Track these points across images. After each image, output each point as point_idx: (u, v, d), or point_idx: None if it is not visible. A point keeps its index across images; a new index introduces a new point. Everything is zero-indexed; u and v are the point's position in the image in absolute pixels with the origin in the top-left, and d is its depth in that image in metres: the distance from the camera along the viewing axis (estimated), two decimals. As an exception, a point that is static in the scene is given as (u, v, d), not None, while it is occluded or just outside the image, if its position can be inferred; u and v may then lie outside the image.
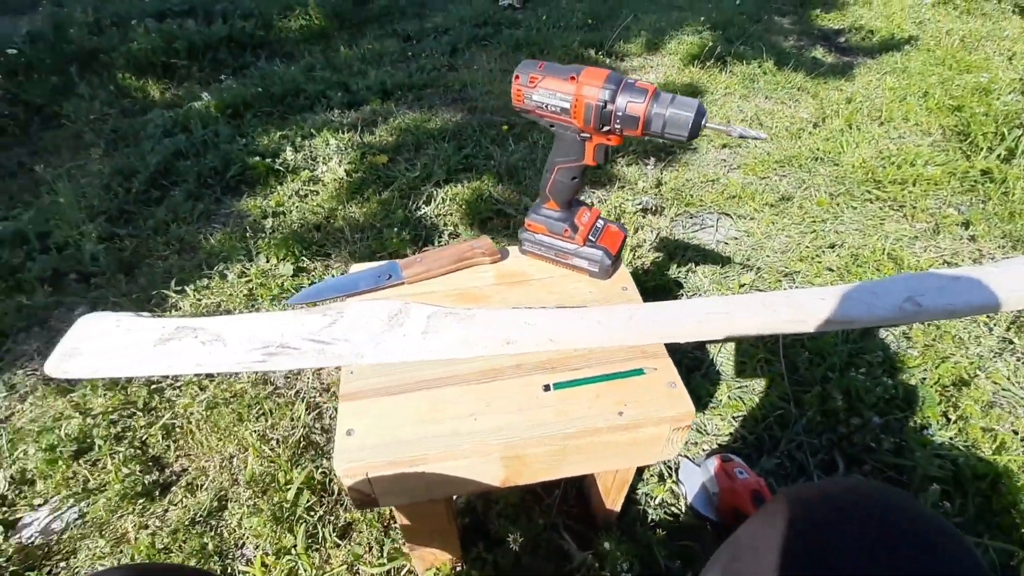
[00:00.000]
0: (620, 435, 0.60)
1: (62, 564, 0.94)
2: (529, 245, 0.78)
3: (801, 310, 0.67)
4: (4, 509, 1.01)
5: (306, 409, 1.15)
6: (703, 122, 0.58)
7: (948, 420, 1.10)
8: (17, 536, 0.97)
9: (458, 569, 0.90)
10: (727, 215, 1.72)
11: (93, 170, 1.94)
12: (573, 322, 0.66)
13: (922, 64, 2.65)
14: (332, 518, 0.99)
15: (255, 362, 0.63)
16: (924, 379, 1.18)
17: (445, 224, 1.66)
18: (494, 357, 0.65)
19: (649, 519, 0.97)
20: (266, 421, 1.14)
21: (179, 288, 1.45)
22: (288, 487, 0.99)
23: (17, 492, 1.04)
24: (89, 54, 2.61)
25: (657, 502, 0.99)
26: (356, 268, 0.80)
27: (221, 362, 0.63)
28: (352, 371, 0.65)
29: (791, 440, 1.08)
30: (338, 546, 0.94)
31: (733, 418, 1.12)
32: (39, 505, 1.02)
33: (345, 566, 0.92)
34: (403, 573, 0.92)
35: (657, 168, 1.87)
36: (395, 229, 1.60)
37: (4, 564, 0.92)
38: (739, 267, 1.49)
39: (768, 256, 1.54)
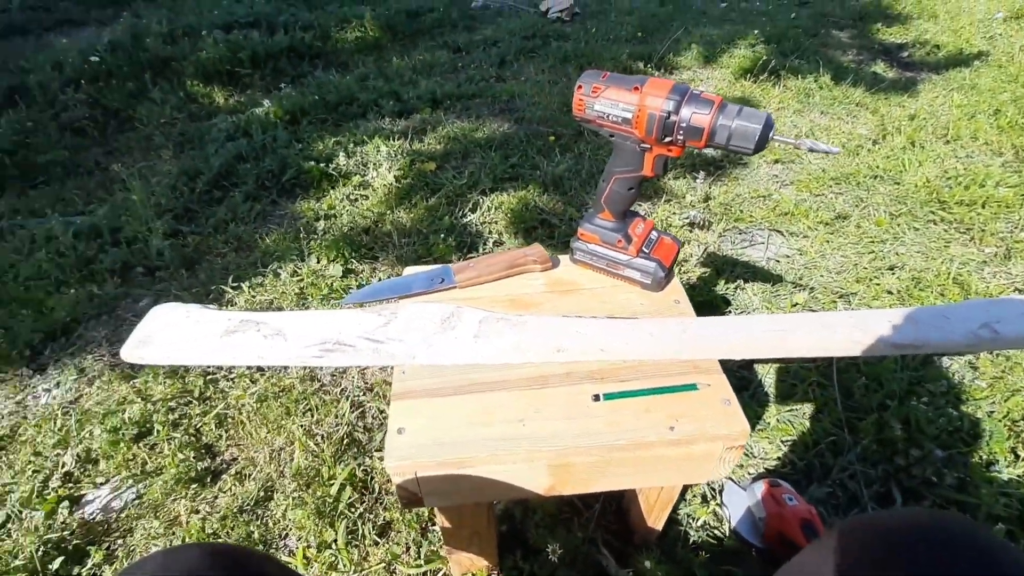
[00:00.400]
0: (670, 450, 0.59)
1: (119, 541, 0.99)
2: (581, 254, 0.78)
3: (865, 331, 0.64)
4: (70, 485, 1.07)
5: (350, 407, 1.18)
6: (771, 135, 0.57)
7: (1016, 457, 1.03)
8: (80, 511, 1.03)
9: (494, 575, 0.90)
10: (778, 232, 1.68)
11: (162, 170, 2.05)
12: (624, 333, 0.65)
13: (993, 81, 2.52)
14: (372, 516, 1.00)
15: (313, 357, 0.65)
16: (992, 412, 1.11)
17: (490, 232, 1.68)
18: (544, 364, 0.65)
19: (690, 540, 0.94)
20: (312, 417, 1.17)
21: (235, 284, 1.51)
22: (331, 482, 1.02)
23: (82, 470, 1.11)
24: (162, 62, 2.78)
25: (699, 524, 0.96)
26: (410, 271, 0.82)
27: (281, 356, 0.65)
28: (404, 371, 0.66)
29: (844, 469, 1.03)
30: (377, 544, 0.96)
31: (782, 442, 1.08)
32: (101, 484, 1.08)
33: (383, 564, 0.93)
34: (440, 574, 0.92)
35: (706, 182, 1.84)
36: (441, 235, 1.62)
37: (68, 536, 0.98)
38: (791, 286, 1.45)
39: (822, 276, 1.49)
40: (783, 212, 1.74)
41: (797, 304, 1.37)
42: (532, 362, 0.65)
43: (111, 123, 2.46)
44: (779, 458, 1.06)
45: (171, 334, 0.68)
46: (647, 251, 0.73)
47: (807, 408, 1.14)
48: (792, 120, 2.30)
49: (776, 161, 2.02)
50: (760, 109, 0.57)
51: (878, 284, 1.44)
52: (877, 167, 1.95)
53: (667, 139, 0.61)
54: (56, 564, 0.92)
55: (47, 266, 1.58)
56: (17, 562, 0.91)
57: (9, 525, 0.99)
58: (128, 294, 1.55)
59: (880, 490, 1.01)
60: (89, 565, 0.94)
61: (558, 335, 0.66)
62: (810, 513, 0.88)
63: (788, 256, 1.58)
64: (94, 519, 1.02)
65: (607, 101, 0.64)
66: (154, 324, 0.69)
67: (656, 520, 0.85)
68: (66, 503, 1.03)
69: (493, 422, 0.60)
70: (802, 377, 1.20)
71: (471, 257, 1.55)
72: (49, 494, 1.04)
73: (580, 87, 0.65)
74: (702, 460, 0.61)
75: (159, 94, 2.57)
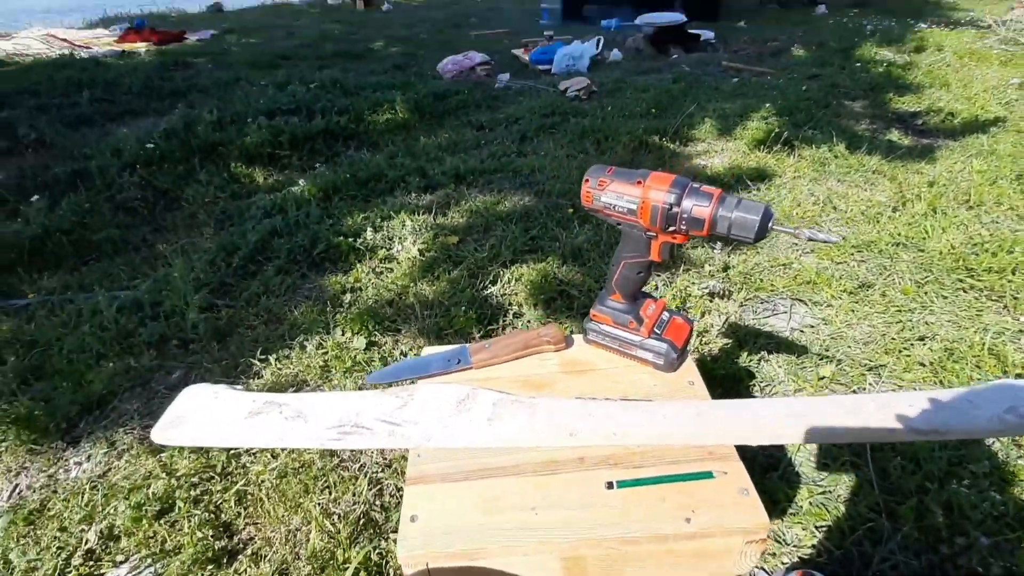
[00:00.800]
0: (687, 544, 0.57)
1: (133, 625, 0.98)
2: (594, 335, 0.79)
3: (890, 417, 0.63)
4: (91, 563, 1.08)
5: (368, 484, 1.17)
6: (770, 224, 0.59)
7: (1079, 548, 0.95)
8: (98, 591, 1.03)
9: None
10: (801, 301, 1.66)
11: (202, 247, 2.18)
12: (638, 416, 0.65)
13: (1012, 146, 2.53)
14: (386, 602, 0.97)
15: (331, 440, 0.67)
16: (1045, 497, 1.03)
17: (510, 304, 1.71)
18: (556, 449, 0.65)
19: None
20: (330, 494, 1.16)
21: (263, 357, 1.56)
22: (346, 567, 1.00)
23: (104, 547, 1.11)
24: (210, 147, 3.02)
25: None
26: (429, 351, 0.84)
27: (301, 438, 0.67)
28: (420, 454, 0.67)
29: (885, 559, 0.96)
30: (390, 634, 0.92)
31: (816, 527, 1.02)
32: (120, 562, 1.08)
33: (396, 657, 0.89)
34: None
35: (724, 251, 1.86)
36: (463, 308, 1.66)
37: (84, 619, 0.97)
38: (817, 357, 1.42)
39: (849, 347, 1.45)
40: (805, 280, 1.73)
41: (824, 377, 1.34)
42: (545, 446, 0.65)
43: (160, 203, 2.65)
44: (814, 545, 1.00)
45: (200, 416, 0.71)
46: (659, 332, 0.75)
47: (842, 490, 1.09)
48: (809, 188, 2.33)
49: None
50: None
51: (908, 356, 1.40)
52: (899, 234, 1.94)
53: (671, 228, 0.64)
54: (69, 648, 0.91)
55: (90, 339, 1.67)
56: (32, 646, 0.90)
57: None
58: (162, 366, 1.61)
59: (927, 584, 0.93)
60: (101, 651, 0.93)
61: (571, 417, 0.67)
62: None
63: (812, 326, 1.56)
64: (110, 600, 1.02)
65: (613, 194, 0.67)
66: (185, 406, 0.72)
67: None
68: (85, 583, 1.03)
69: (505, 509, 0.60)
70: (834, 455, 1.15)
71: (491, 330, 1.58)
72: (71, 572, 1.05)
73: (587, 180, 0.69)
74: (721, 555, 0.59)
75: (205, 176, 2.77)
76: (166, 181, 2.74)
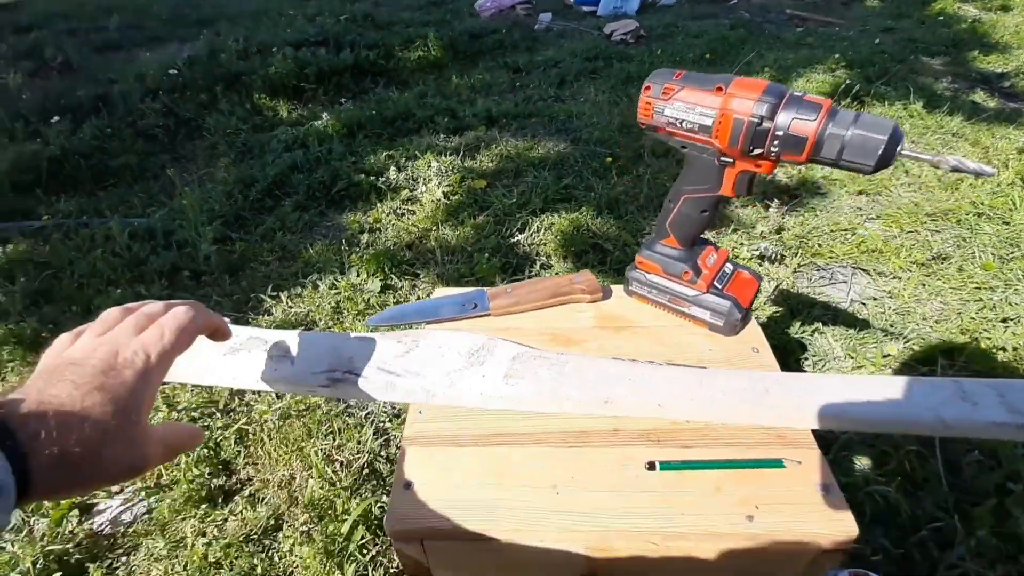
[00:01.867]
0: (745, 546, 0.46)
1: (123, 559, 0.93)
2: (638, 286, 0.66)
3: (1013, 410, 0.49)
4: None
5: (374, 434, 1.09)
6: (899, 149, 0.44)
7: None
8: (90, 521, 0.99)
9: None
10: (863, 271, 1.48)
11: (220, 177, 2.09)
12: (690, 387, 0.53)
13: (1121, 112, 2.21)
14: (385, 561, 0.90)
15: (320, 386, 0.56)
16: None
17: (538, 254, 1.58)
18: (587, 417, 0.53)
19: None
20: (333, 440, 1.09)
21: (274, 294, 1.48)
22: (344, 518, 0.92)
23: (99, 477, 1.07)
24: (234, 76, 2.89)
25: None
26: (440, 292, 0.72)
27: (283, 382, 0.56)
28: (421, 411, 0.56)
29: (952, 566, 0.84)
30: (387, 596, 0.85)
31: (872, 523, 0.90)
32: (115, 493, 1.04)
33: (391, 621, 0.82)
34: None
35: (780, 211, 1.67)
36: (486, 255, 1.54)
37: (71, 549, 0.93)
38: (880, 333, 1.26)
39: (918, 324, 1.29)
40: (870, 249, 1.54)
41: (889, 355, 1.19)
42: (574, 413, 0.53)
43: (181, 131, 2.56)
44: (868, 542, 0.88)
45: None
46: (719, 287, 0.61)
47: (904, 482, 0.95)
48: (878, 149, 2.09)
49: (860, 192, 1.82)
50: (885, 117, 0.44)
51: (989, 338, 1.23)
52: (981, 204, 1.71)
53: (756, 151, 0.49)
54: (52, 582, 0.87)
55: (101, 265, 1.61)
56: (13, 574, 0.86)
57: (9, 535, 0.95)
58: (173, 297, 1.54)
59: (1000, 598, 0.81)
60: (87, 585, 0.88)
61: (607, 382, 0.54)
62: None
63: (876, 299, 1.39)
64: (102, 531, 0.97)
65: (681, 105, 0.52)
66: None
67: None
68: (76, 512, 0.98)
69: (519, 485, 0.49)
70: (896, 443, 1.01)
71: (516, 281, 1.45)
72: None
73: (648, 88, 0.55)
74: (787, 562, 0.47)
75: (227, 105, 2.66)
76: (188, 109, 2.64)
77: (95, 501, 1.02)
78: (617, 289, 0.71)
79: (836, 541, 0.44)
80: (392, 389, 0.55)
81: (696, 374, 0.55)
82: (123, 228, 1.73)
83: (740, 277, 0.63)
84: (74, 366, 0.32)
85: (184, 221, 1.77)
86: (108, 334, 0.35)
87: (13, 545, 0.91)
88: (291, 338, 0.60)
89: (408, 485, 0.50)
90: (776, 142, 0.47)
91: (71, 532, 0.96)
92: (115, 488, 1.05)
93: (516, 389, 0.54)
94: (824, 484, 0.47)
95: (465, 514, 0.47)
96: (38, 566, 0.88)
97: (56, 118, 2.50)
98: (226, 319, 0.61)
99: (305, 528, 0.93)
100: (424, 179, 1.96)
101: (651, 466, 0.49)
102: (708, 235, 1.60)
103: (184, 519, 0.98)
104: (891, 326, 1.28)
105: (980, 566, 0.83)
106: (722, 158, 0.53)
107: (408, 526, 0.47)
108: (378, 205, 1.87)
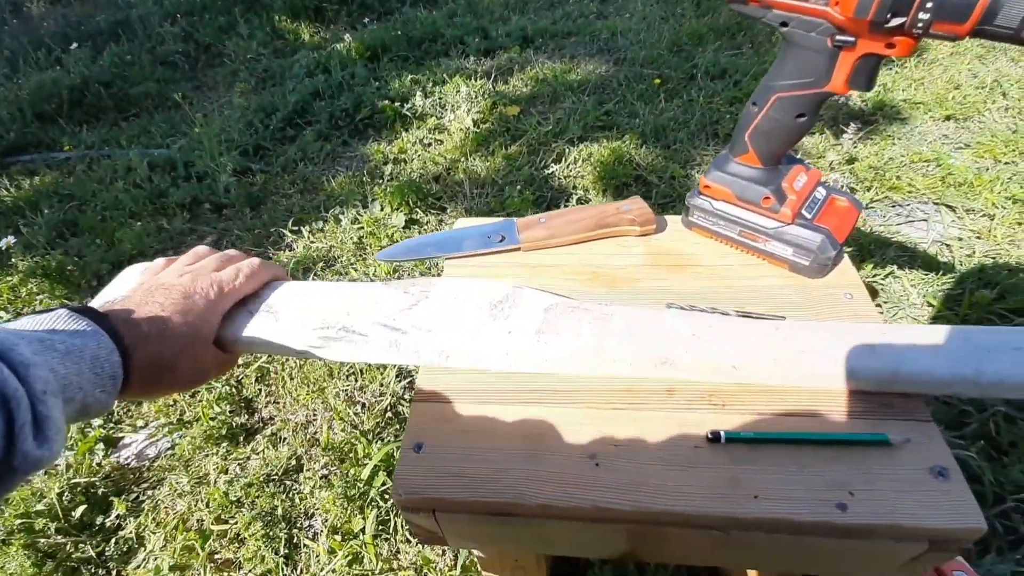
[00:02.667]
0: (833, 542, 0.36)
1: (148, 493, 0.93)
2: (700, 216, 0.54)
3: None
4: (111, 426, 1.03)
5: (397, 376, 1.03)
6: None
7: None
8: (117, 455, 0.98)
9: (542, 607, 0.72)
10: (948, 207, 1.30)
11: (238, 104, 1.99)
12: (772, 343, 0.42)
13: None
14: (408, 507, 0.86)
15: (311, 347, 0.47)
16: None
17: (575, 187, 1.45)
18: (633, 376, 0.44)
19: (806, 607, 0.71)
20: (355, 381, 1.04)
21: (295, 228, 1.41)
22: (365, 463, 0.88)
23: (125, 411, 1.06)
24: (254, -3, 2.72)
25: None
26: (463, 223, 0.62)
27: (265, 342, 0.47)
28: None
29: (1042, 541, 0.74)
30: (409, 542, 0.81)
31: (947, 491, 0.80)
32: (140, 427, 1.03)
33: (413, 567, 0.79)
34: (478, 591, 0.77)
35: (855, 137, 1.47)
36: (518, 187, 1.42)
37: (97, 483, 0.92)
38: (968, 280, 1.10)
39: (1011, 269, 1.12)
40: (957, 182, 1.35)
41: (976, 304, 1.04)
42: (622, 376, 0.44)
43: (201, 58, 2.45)
44: (940, 512, 0.78)
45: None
46: (808, 216, 0.49)
47: (987, 446, 0.84)
48: (971, 68, 1.81)
49: (947, 117, 1.59)
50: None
51: (1099, 287, 1.05)
52: (1097, 130, 1.46)
53: (893, 22, 0.35)
54: (79, 512, 0.87)
55: (123, 197, 1.57)
56: (39, 506, 0.86)
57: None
58: (194, 230, 1.50)
59: (1097, 580, 0.71)
60: (112, 516, 0.88)
61: (664, 340, 0.44)
62: (998, 609, 0.62)
63: (962, 240, 1.21)
64: (128, 464, 0.97)
65: (784, -38, 0.38)
66: (119, 286, 0.53)
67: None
68: (102, 445, 0.98)
69: (552, 453, 0.41)
70: (979, 404, 0.89)
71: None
72: (91, 432, 1.00)
73: (736, -57, 0.40)
74: (883, 558, 0.38)
75: (247, 28, 2.51)
76: (207, 34, 2.52)
77: (121, 435, 1.02)
78: (674, 220, 0.59)
79: (953, 535, 0.34)
80: (396, 349, 0.46)
81: (781, 328, 0.44)
82: (143, 159, 1.68)
83: (834, 204, 0.50)
84: (164, 289, 0.39)
85: (203, 152, 1.70)
86: (194, 265, 0.44)
87: (38, 480, 0.92)
88: (280, 291, 0.50)
89: (419, 447, 0.42)
90: (928, 7, 0.33)
91: (97, 464, 0.96)
92: (140, 422, 1.04)
93: (550, 348, 0.44)
94: (939, 467, 0.37)
95: (485, 484, 0.39)
96: (64, 498, 0.88)
97: (75, 45, 2.42)
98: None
99: (325, 472, 0.89)
100: (452, 105, 1.81)
101: (714, 437, 0.39)
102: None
103: (207, 456, 0.96)
104: (980, 271, 1.12)
105: (1076, 544, 0.73)
106: (839, 36, 0.39)
107: (418, 495, 0.40)
108: (403, 134, 1.75)
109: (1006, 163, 1.41)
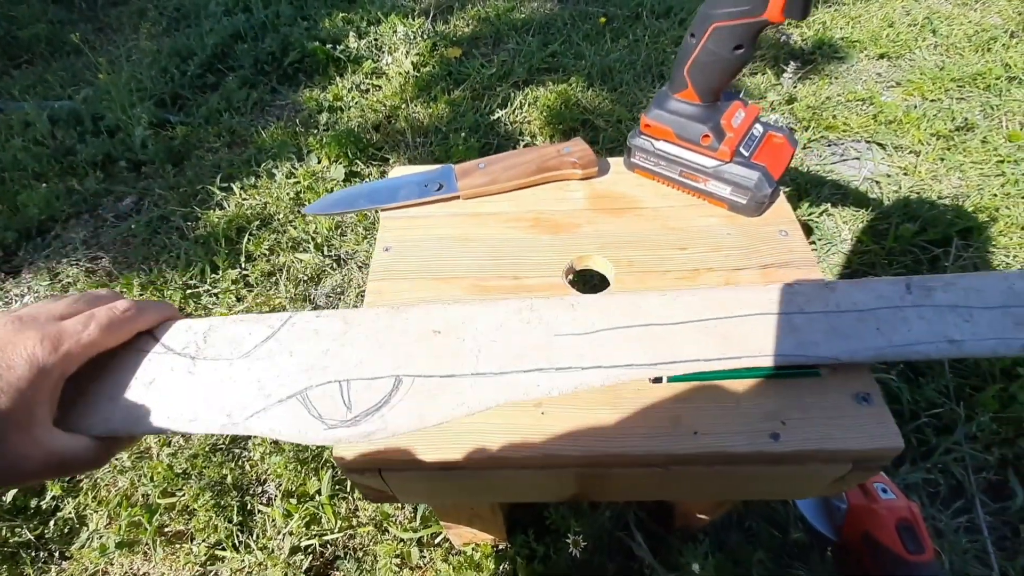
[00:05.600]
0: (767, 469, 0.38)
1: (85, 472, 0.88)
2: (642, 157, 0.53)
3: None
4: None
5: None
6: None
7: None
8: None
9: (501, 548, 0.75)
10: (879, 145, 1.35)
11: (147, 48, 1.80)
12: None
13: None
14: (364, 464, 0.86)
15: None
16: None
17: (522, 132, 1.41)
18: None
19: (745, 526, 0.76)
20: (302, 344, 1.01)
21: (225, 184, 1.32)
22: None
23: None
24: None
25: (759, 501, 0.78)
26: (399, 171, 0.59)
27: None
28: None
29: (948, 450, 0.82)
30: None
31: (870, 412, 0.86)
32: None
33: (373, 523, 0.79)
34: (438, 539, 0.78)
35: (795, 77, 1.48)
36: (463, 134, 1.36)
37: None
38: (894, 215, 1.15)
39: (933, 203, 1.18)
40: (887, 120, 1.39)
41: (901, 238, 1.09)
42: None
43: (101, -5, 2.18)
44: (864, 431, 0.85)
45: None
46: (746, 154, 0.48)
47: (906, 369, 0.91)
48: (904, 6, 1.84)
49: (881, 56, 1.62)
50: None
51: (1008, 216, 1.13)
52: (1015, 66, 1.53)
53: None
54: (9, 496, 0.82)
55: (22, 156, 1.41)
56: (-40, 496, 0.81)
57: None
58: (110, 191, 1.37)
59: (994, 479, 0.80)
60: (48, 498, 0.84)
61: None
62: (911, 512, 0.68)
63: (890, 176, 1.27)
64: (60, 445, 0.91)
65: None
66: None
67: (709, 515, 0.67)
68: (27, 426, 0.91)
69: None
70: (900, 330, 0.95)
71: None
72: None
73: None
74: (812, 479, 0.40)
75: (151, -40, 2.24)
76: (105, -35, 2.23)
77: (49, 413, 0.95)
78: (616, 163, 0.58)
79: (874, 454, 0.36)
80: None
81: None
82: (42, 112, 1.50)
83: (771, 141, 0.50)
84: None
85: (112, 103, 1.54)
86: (25, 309, 0.32)
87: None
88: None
89: (360, 408, 0.41)
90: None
91: (25, 446, 0.89)
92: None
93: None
94: (862, 393, 0.39)
95: (430, 440, 0.39)
96: (-11, 483, 0.82)
97: (-57, -22, 2.10)
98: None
99: (275, 435, 0.87)
100: (390, 47, 1.70)
101: (657, 379, 0.40)
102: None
103: (147, 429, 0.91)
104: (905, 206, 1.18)
105: (976, 449, 0.81)
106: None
107: (360, 455, 0.39)
108: (337, 79, 1.63)
109: (932, 100, 1.46)
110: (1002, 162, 1.27)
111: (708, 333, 0.37)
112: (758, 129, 0.50)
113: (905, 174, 1.27)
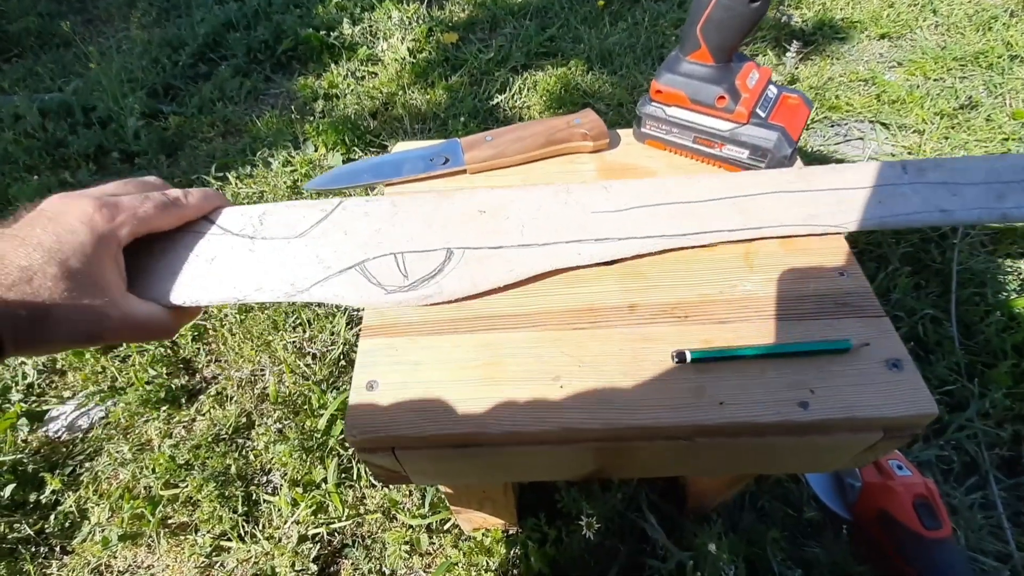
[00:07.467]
0: (794, 439, 0.37)
1: (85, 465, 0.87)
2: (653, 125, 0.52)
3: None
4: (33, 399, 0.94)
5: (347, 323, 0.99)
6: None
7: None
8: (44, 429, 0.91)
9: (511, 532, 0.74)
10: (883, 124, 1.33)
11: (138, 38, 1.77)
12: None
13: None
14: (370, 452, 0.85)
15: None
16: None
17: (521, 118, 1.39)
18: (593, 294, 0.42)
19: (758, 506, 0.76)
20: (304, 332, 0.99)
21: (220, 174, 1.29)
22: (321, 413, 0.85)
23: (47, 382, 0.97)
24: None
25: (771, 482, 0.77)
26: (403, 147, 0.57)
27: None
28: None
29: (962, 427, 0.81)
30: (374, 487, 0.80)
31: (882, 390, 0.85)
32: (67, 398, 0.95)
33: (381, 511, 0.78)
34: (448, 525, 0.77)
35: (797, 57, 1.46)
36: (462, 120, 1.34)
37: (26, 459, 0.85)
38: (900, 192, 1.14)
39: (940, 181, 1.17)
40: (890, 100, 1.38)
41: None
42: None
43: (89, -15, 2.14)
44: (875, 410, 0.84)
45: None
46: (763, 115, 0.47)
47: (916, 347, 0.90)
48: (905, -16, 1.82)
49: (883, 36, 1.60)
50: None
51: (1015, 193, 1.12)
52: (1016, 44, 1.52)
53: None
54: (8, 491, 0.80)
55: (13, 149, 1.39)
56: (-42, 490, 0.79)
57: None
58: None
59: (1007, 455, 0.79)
60: (47, 492, 0.82)
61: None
62: (928, 489, 0.67)
63: (894, 155, 1.25)
64: (58, 438, 0.90)
65: None
66: None
67: (725, 493, 0.66)
68: (25, 420, 0.90)
69: (513, 379, 0.39)
70: (909, 309, 0.94)
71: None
72: (8, 408, 0.91)
73: None
74: (841, 449, 0.39)
75: (140, -50, 2.20)
76: (93, -45, 2.18)
77: (46, 408, 0.93)
78: (625, 135, 0.56)
79: (907, 420, 0.35)
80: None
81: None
82: (32, 104, 1.47)
83: (787, 102, 0.48)
84: (47, 219, 0.31)
85: (104, 93, 1.51)
86: (92, 189, 0.35)
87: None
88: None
89: (372, 385, 0.39)
90: None
91: (23, 441, 0.88)
92: (67, 393, 0.95)
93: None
94: (893, 359, 0.38)
95: (446, 416, 0.37)
96: (-12, 478, 0.81)
97: (-74, -30, 2.06)
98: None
99: (279, 426, 0.86)
100: (385, 33, 1.67)
101: (680, 357, 0.38)
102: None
103: (147, 421, 0.90)
104: (912, 184, 1.16)
105: (989, 426, 0.80)
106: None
107: (373, 434, 0.37)
108: (333, 67, 1.60)
109: (935, 80, 1.45)
110: (1007, 140, 1.25)
111: (730, 208, 0.42)
112: (772, 91, 0.48)
113: (909, 153, 1.26)
